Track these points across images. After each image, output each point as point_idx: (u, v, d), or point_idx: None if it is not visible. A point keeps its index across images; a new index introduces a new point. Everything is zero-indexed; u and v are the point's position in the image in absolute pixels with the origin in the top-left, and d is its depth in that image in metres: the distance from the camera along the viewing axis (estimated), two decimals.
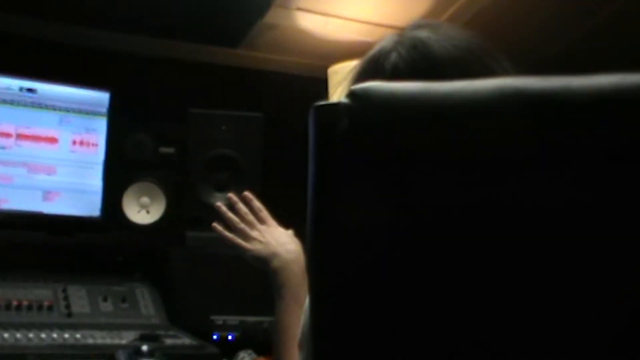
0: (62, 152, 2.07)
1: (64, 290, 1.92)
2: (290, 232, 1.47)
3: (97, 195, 2.08)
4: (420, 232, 0.61)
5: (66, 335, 1.70)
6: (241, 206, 1.51)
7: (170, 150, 2.11)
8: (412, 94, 0.62)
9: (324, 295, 0.63)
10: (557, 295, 0.58)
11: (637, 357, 0.56)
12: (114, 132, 2.08)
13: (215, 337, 1.89)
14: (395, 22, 1.96)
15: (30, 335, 1.67)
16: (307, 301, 0.70)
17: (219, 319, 1.89)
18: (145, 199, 2.11)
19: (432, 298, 0.60)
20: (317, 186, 0.64)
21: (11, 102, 2.01)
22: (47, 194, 2.03)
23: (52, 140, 2.05)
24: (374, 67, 0.91)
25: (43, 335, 1.68)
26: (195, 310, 1.90)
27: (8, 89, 2.01)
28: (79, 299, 1.90)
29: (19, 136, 2.02)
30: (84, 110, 2.08)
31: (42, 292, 1.88)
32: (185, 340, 1.75)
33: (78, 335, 1.70)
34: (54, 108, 2.07)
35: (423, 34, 0.91)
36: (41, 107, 2.05)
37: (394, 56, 0.90)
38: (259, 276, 1.48)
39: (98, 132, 2.09)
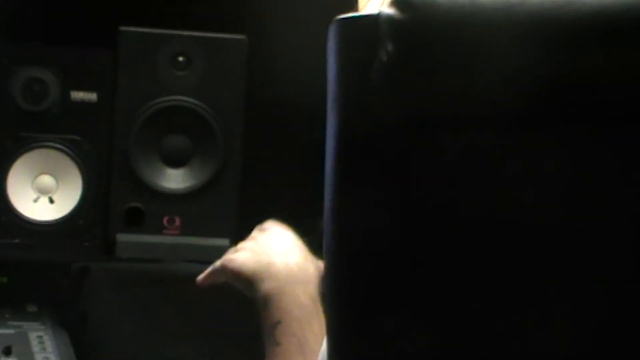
0: None
1: None
2: (293, 236, 1.33)
3: None
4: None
5: None
6: None
7: (89, 96, 1.80)
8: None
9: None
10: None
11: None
12: None
13: None
14: None
15: None
16: (323, 347, 0.72)
17: None
18: (46, 179, 1.82)
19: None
20: (338, 166, 0.63)
21: None
22: None
23: None
24: None
25: None
26: None
27: None
28: None
29: None
30: None
31: None
32: None
33: None
34: None
35: None
36: None
37: None
38: (238, 307, 1.45)
39: None
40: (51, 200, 1.81)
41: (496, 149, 0.63)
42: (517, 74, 0.62)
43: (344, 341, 0.67)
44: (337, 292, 0.68)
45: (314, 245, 1.20)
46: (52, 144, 1.82)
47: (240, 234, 1.43)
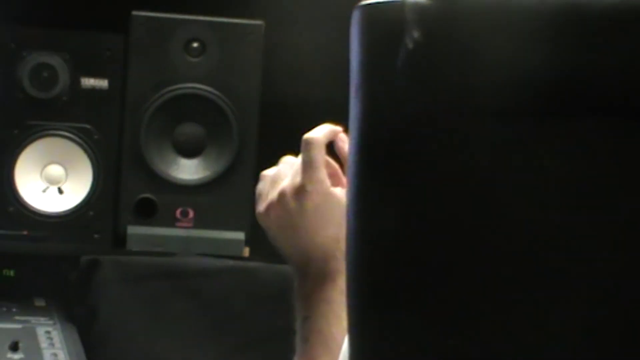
0: None
1: None
2: None
3: None
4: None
5: None
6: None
7: (100, 83, 1.82)
8: None
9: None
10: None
11: None
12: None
13: None
14: None
15: None
16: (345, 344, 0.76)
17: None
18: (55, 169, 1.84)
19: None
20: (361, 156, 0.62)
21: None
22: None
23: None
24: None
25: None
26: None
27: None
28: None
29: None
30: None
31: None
32: None
33: None
34: None
35: None
36: None
37: None
38: (250, 303, 1.54)
39: None
40: (60, 191, 1.81)
41: (521, 140, 0.61)
42: (551, 60, 0.61)
43: (365, 340, 0.66)
44: (357, 289, 0.67)
45: None
46: (61, 132, 1.81)
47: (256, 227, 1.39)
